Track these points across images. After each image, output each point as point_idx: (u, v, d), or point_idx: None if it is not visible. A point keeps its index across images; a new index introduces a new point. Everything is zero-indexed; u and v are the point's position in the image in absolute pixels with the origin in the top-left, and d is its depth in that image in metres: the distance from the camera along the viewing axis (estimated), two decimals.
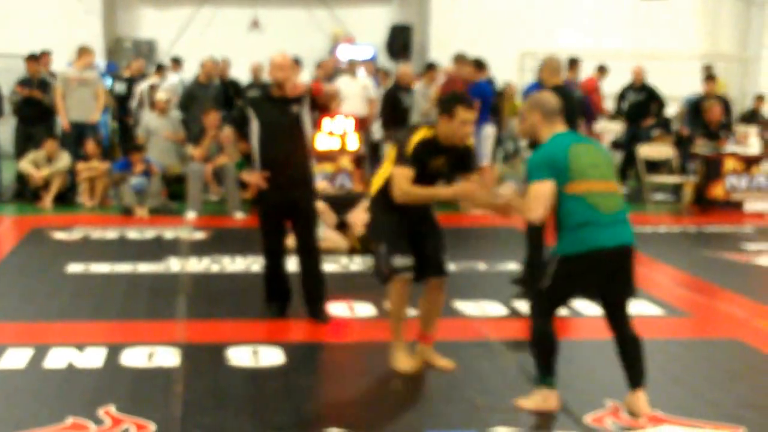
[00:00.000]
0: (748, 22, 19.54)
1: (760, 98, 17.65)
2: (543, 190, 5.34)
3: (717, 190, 13.77)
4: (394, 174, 6.02)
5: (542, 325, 5.53)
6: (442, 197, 6.21)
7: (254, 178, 7.34)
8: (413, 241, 6.23)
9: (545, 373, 5.57)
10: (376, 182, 6.33)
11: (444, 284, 6.38)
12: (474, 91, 13.06)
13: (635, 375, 5.51)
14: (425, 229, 6.29)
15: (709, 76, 15.49)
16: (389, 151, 6.27)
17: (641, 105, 15.50)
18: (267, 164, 7.31)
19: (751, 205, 13.80)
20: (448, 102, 6.05)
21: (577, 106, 9.28)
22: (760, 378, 5.84)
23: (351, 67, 14.83)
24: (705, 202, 13.56)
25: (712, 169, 13.79)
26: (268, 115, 7.32)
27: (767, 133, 15.36)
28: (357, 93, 14.25)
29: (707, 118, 14.15)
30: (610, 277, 5.46)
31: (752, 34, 19.35)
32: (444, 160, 6.11)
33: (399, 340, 6.34)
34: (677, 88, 16.54)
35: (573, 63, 16.19)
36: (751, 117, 16.87)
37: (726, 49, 19.20)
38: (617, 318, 5.53)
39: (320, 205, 10.11)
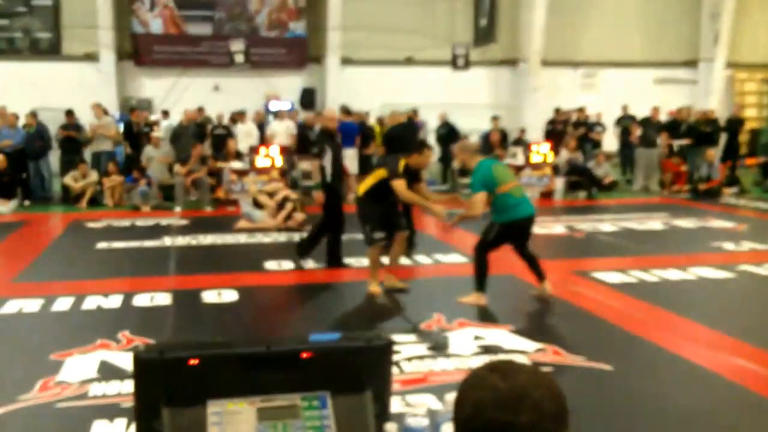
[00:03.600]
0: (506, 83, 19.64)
1: (522, 130, 17.81)
2: (482, 197, 5.66)
3: None
4: (397, 183, 6.22)
5: (482, 257, 5.86)
6: (419, 204, 6.40)
7: None
8: (388, 218, 6.41)
9: (481, 283, 5.84)
10: (363, 186, 6.45)
11: (403, 236, 6.56)
12: (342, 127, 12.85)
13: (538, 274, 5.93)
14: (394, 212, 6.49)
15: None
16: (378, 170, 6.42)
17: (445, 137, 15.27)
18: None
19: None
20: (421, 144, 6.49)
21: (413, 135, 9.32)
22: (523, 297, 5.97)
23: (279, 115, 14.50)
24: None
25: None
26: None
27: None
28: (283, 131, 13.94)
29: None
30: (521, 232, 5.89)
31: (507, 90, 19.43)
32: (409, 175, 6.34)
33: (374, 278, 6.46)
34: (470, 126, 16.49)
35: (415, 112, 16.23)
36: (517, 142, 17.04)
37: (503, 101, 19.46)
38: (522, 249, 5.96)
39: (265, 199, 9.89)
